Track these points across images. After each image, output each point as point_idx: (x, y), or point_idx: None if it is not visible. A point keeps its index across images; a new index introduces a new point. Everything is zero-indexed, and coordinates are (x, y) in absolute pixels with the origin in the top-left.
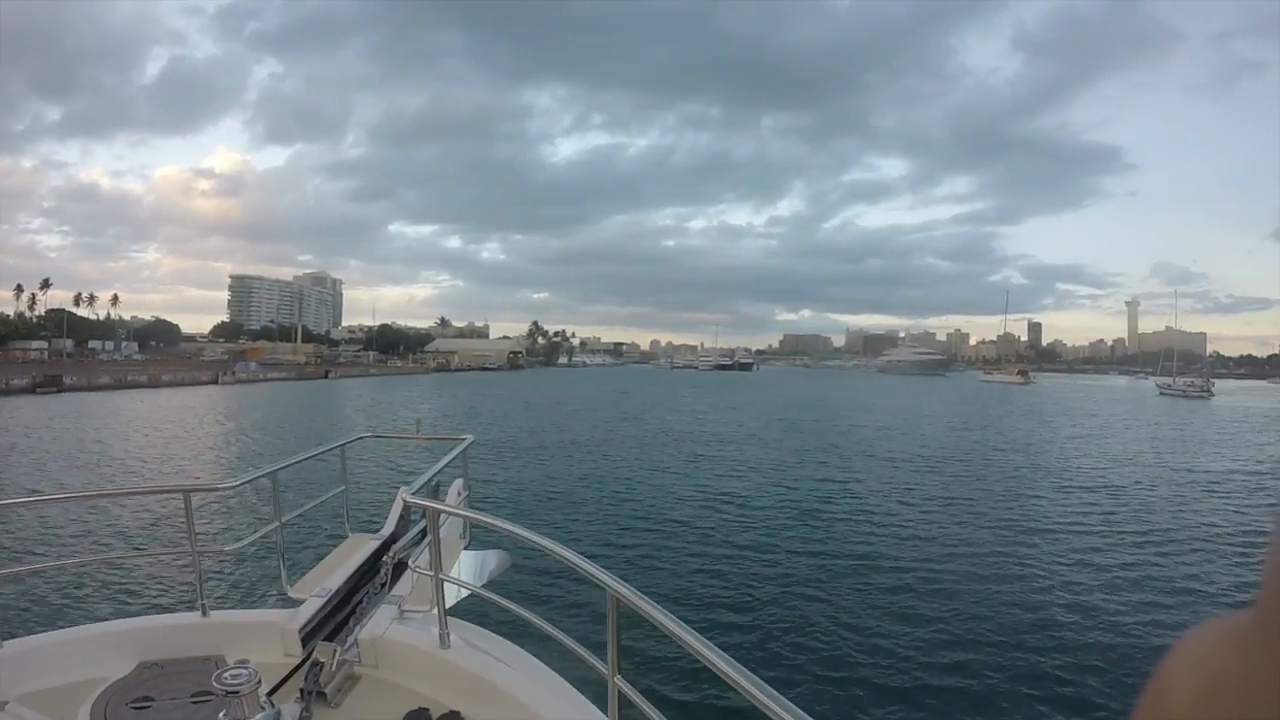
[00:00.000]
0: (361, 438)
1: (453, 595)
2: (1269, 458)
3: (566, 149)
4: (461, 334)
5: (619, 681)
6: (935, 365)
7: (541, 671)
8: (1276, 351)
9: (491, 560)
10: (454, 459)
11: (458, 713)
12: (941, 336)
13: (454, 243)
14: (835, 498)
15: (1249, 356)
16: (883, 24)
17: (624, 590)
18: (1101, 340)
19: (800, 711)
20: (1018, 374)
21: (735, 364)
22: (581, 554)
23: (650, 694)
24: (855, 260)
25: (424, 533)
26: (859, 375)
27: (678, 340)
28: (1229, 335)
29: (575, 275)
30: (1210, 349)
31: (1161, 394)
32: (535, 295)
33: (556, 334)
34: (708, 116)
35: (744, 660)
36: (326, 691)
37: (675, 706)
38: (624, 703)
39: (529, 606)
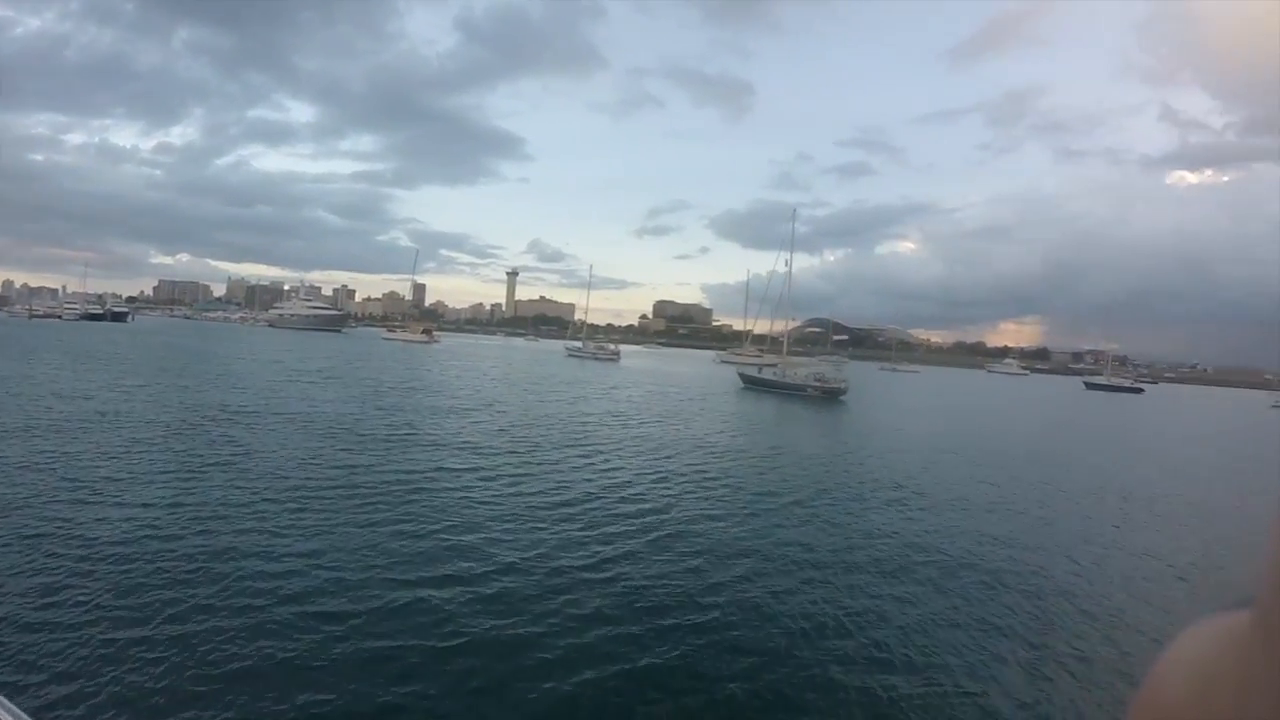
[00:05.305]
0: None
1: None
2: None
3: None
4: None
5: None
6: (332, 321)
7: None
8: (633, 323)
9: None
10: None
11: None
12: (328, 291)
13: None
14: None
15: (610, 325)
16: None
17: None
18: (481, 304)
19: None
20: (423, 333)
21: (108, 313)
22: None
23: None
24: (244, 204)
25: None
26: (250, 330)
27: (35, 282)
28: (591, 308)
29: None
30: (577, 317)
31: (569, 356)
32: None
33: None
34: (119, 9)
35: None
36: None
37: None
38: None
39: None
